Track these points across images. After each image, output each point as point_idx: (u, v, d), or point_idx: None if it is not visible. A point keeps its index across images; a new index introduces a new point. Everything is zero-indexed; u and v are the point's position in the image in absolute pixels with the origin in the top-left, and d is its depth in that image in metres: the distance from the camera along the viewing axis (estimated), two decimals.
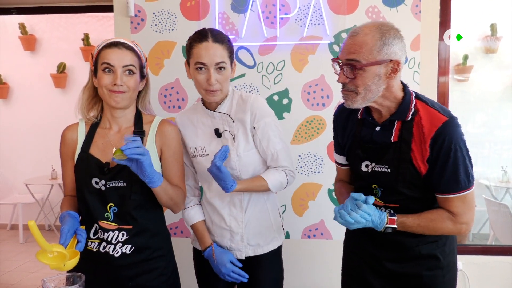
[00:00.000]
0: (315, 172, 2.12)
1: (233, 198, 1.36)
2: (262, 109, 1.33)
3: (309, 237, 2.16)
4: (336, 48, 2.04)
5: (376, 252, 1.22)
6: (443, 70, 2.07)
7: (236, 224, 1.37)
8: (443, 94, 2.07)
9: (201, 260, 1.43)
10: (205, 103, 1.37)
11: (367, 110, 1.19)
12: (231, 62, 1.31)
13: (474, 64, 3.63)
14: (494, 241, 3.01)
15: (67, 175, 1.30)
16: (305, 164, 2.12)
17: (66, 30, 4.37)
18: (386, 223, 1.08)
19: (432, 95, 2.04)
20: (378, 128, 1.17)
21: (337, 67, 1.14)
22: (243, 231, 1.37)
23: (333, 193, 2.11)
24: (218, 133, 1.34)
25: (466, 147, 1.10)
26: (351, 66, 1.07)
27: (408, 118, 1.11)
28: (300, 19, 2.04)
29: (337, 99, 2.07)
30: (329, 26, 2.02)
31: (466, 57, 3.57)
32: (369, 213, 1.05)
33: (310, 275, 2.18)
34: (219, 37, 1.26)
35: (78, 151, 1.25)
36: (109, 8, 2.46)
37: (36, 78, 4.43)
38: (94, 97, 1.30)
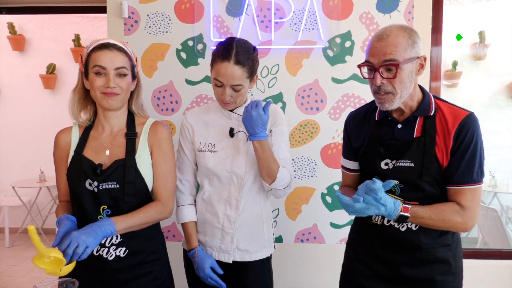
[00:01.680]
0: (308, 176, 2.12)
1: (230, 198, 1.37)
2: (281, 117, 1.41)
3: (302, 241, 2.16)
4: (330, 52, 2.05)
5: (390, 256, 1.22)
6: (435, 75, 2.10)
7: (229, 224, 1.37)
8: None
9: (190, 263, 1.42)
10: None
11: (385, 110, 1.22)
12: (251, 79, 1.36)
13: (462, 70, 3.69)
14: (483, 245, 3.05)
15: (61, 180, 1.28)
16: (299, 168, 2.12)
17: (56, 30, 4.32)
18: (400, 211, 1.10)
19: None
20: (399, 126, 1.22)
21: (366, 72, 1.19)
22: (234, 232, 1.37)
23: (327, 197, 2.12)
24: (232, 133, 1.38)
25: (483, 143, 1.17)
26: (389, 67, 1.12)
27: (432, 114, 1.18)
28: (295, 24, 2.05)
29: (331, 103, 2.09)
30: (323, 31, 2.03)
31: (455, 63, 3.63)
32: (386, 200, 1.07)
33: (303, 279, 2.18)
34: (242, 59, 1.29)
35: (71, 153, 1.24)
36: (101, 9, 2.44)
37: (24, 79, 4.36)
38: (85, 98, 1.28)
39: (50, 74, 4.27)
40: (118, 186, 1.19)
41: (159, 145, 1.28)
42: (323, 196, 2.13)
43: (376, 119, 1.27)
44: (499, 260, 2.16)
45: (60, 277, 1.04)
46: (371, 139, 1.26)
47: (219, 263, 1.37)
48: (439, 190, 1.18)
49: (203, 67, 2.09)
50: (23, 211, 4.21)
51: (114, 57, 1.20)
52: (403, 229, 1.19)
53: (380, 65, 1.12)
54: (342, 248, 1.42)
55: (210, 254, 1.39)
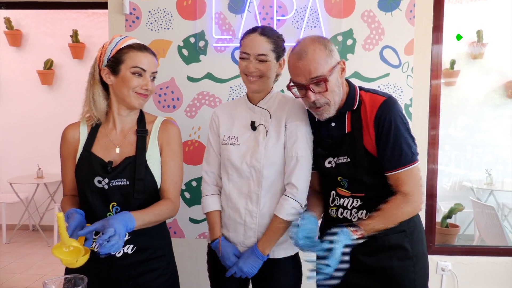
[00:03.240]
0: None
1: (250, 193, 1.36)
2: (299, 112, 1.36)
3: None
4: None
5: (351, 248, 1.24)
6: (435, 74, 2.11)
7: (251, 219, 1.36)
8: (435, 97, 2.12)
9: (215, 258, 1.41)
10: (249, 97, 1.44)
11: None
12: (277, 57, 1.35)
13: (460, 69, 3.72)
14: (480, 242, 3.09)
15: (67, 174, 1.28)
16: None
17: (53, 26, 4.29)
18: (355, 238, 1.12)
19: (425, 98, 2.09)
20: (333, 124, 1.28)
21: (296, 92, 1.25)
22: (256, 227, 1.35)
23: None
24: (253, 126, 1.38)
25: (406, 123, 1.19)
26: (318, 82, 1.17)
27: (355, 107, 1.23)
28: (297, 21, 2.05)
29: None
30: (326, 28, 2.04)
31: (453, 62, 3.66)
32: (332, 260, 1.08)
33: None
34: (267, 32, 1.33)
35: (80, 150, 1.24)
36: (101, 5, 2.43)
37: (21, 75, 4.33)
38: (103, 92, 1.26)
39: (48, 70, 4.24)
40: (128, 183, 1.19)
41: (169, 144, 1.28)
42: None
43: (316, 120, 1.33)
44: (496, 256, 2.19)
45: (67, 273, 1.04)
46: (314, 139, 1.34)
47: None
48: (380, 180, 1.21)
49: (205, 64, 2.09)
50: (20, 207, 4.19)
51: (152, 61, 1.24)
52: (355, 220, 1.23)
53: (309, 83, 1.17)
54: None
55: None
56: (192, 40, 2.08)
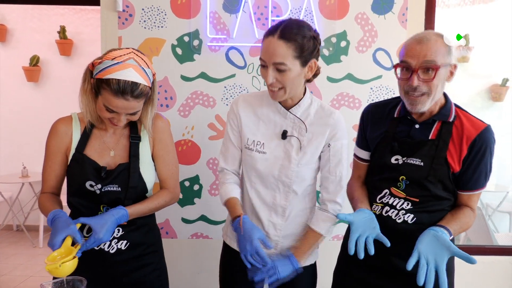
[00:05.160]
0: None
1: (275, 205, 1.26)
2: (343, 130, 1.26)
3: None
4: (325, 52, 2.07)
5: (382, 245, 1.21)
6: None
7: (274, 231, 1.28)
8: None
9: (230, 260, 1.35)
10: None
11: (406, 109, 1.25)
12: (303, 62, 1.15)
13: None
14: (466, 241, 3.16)
15: (52, 170, 1.22)
16: None
17: (40, 21, 4.19)
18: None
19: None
20: (417, 126, 1.25)
21: (400, 72, 1.20)
22: (279, 239, 1.28)
23: None
24: (285, 136, 1.23)
25: (494, 153, 1.22)
26: (427, 68, 1.14)
27: (450, 120, 1.22)
28: None
29: (326, 102, 2.11)
30: (320, 30, 2.05)
31: None
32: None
33: None
34: (288, 33, 1.11)
35: (72, 150, 1.21)
36: (90, 1, 2.39)
37: (6, 71, 4.22)
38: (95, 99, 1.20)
39: (34, 67, 4.14)
40: (120, 189, 1.19)
41: (160, 140, 1.29)
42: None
43: (395, 116, 1.30)
44: (484, 256, 2.24)
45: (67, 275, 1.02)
46: (386, 134, 1.30)
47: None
48: (443, 191, 1.22)
49: (199, 63, 2.08)
50: (4, 207, 4.08)
51: (129, 105, 1.11)
52: (399, 221, 1.23)
53: (419, 66, 1.15)
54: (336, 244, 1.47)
55: None
56: (186, 39, 2.07)
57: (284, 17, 2.05)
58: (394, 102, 1.34)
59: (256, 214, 1.28)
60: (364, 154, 1.39)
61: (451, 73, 1.20)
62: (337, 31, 2.06)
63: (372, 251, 1.07)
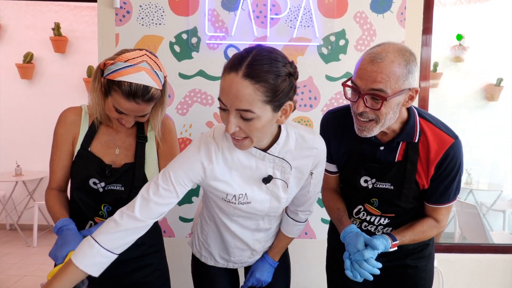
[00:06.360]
0: None
1: (259, 229, 1.23)
2: (325, 154, 1.15)
3: None
4: (324, 50, 2.07)
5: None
6: (424, 75, 2.16)
7: (259, 244, 1.28)
8: (423, 98, 2.16)
9: (203, 272, 1.36)
10: None
11: None
12: (276, 107, 0.92)
13: (443, 71, 3.82)
14: (461, 239, 3.19)
15: (60, 160, 1.19)
16: None
17: (34, 18, 4.14)
18: (390, 248, 1.13)
19: (415, 100, 2.13)
20: (382, 148, 1.17)
21: (350, 93, 1.09)
22: (263, 249, 1.33)
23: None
24: (268, 181, 1.07)
25: (463, 165, 1.16)
26: (375, 96, 1.01)
27: (415, 141, 1.13)
28: (290, 20, 2.05)
29: (324, 101, 2.11)
30: (319, 28, 2.05)
31: (436, 64, 3.75)
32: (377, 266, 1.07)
33: (294, 274, 2.20)
34: (257, 71, 0.86)
35: (78, 144, 1.19)
36: None
37: None
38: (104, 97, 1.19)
39: (27, 64, 4.09)
40: (123, 189, 1.18)
41: (165, 140, 1.28)
42: None
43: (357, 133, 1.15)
44: (479, 254, 2.26)
45: None
46: (351, 154, 1.22)
47: (233, 271, 1.38)
48: (416, 203, 1.22)
49: (197, 61, 2.06)
50: None
51: (139, 108, 1.11)
52: (379, 234, 1.21)
53: (366, 92, 1.02)
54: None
55: (232, 266, 1.33)
56: (184, 36, 2.05)
57: (283, 15, 2.05)
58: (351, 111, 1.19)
59: (239, 238, 1.22)
60: (332, 167, 1.33)
61: (411, 98, 1.06)
62: (336, 29, 2.06)
63: (370, 278, 1.07)
